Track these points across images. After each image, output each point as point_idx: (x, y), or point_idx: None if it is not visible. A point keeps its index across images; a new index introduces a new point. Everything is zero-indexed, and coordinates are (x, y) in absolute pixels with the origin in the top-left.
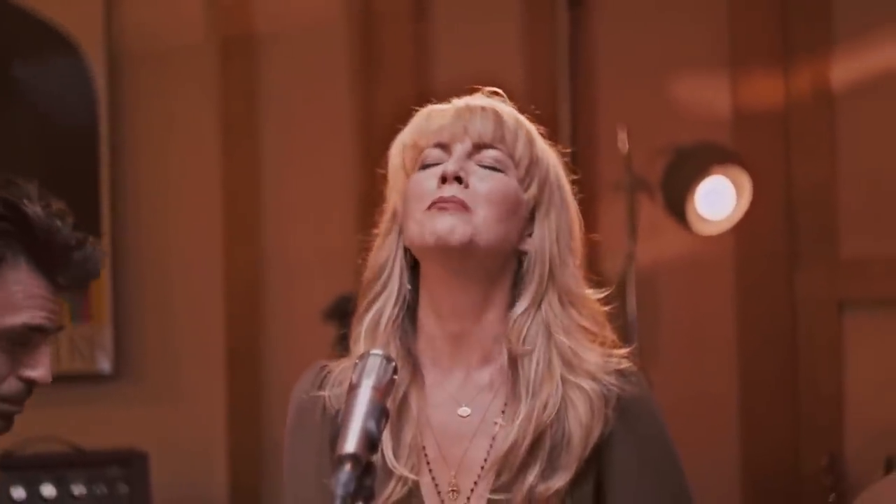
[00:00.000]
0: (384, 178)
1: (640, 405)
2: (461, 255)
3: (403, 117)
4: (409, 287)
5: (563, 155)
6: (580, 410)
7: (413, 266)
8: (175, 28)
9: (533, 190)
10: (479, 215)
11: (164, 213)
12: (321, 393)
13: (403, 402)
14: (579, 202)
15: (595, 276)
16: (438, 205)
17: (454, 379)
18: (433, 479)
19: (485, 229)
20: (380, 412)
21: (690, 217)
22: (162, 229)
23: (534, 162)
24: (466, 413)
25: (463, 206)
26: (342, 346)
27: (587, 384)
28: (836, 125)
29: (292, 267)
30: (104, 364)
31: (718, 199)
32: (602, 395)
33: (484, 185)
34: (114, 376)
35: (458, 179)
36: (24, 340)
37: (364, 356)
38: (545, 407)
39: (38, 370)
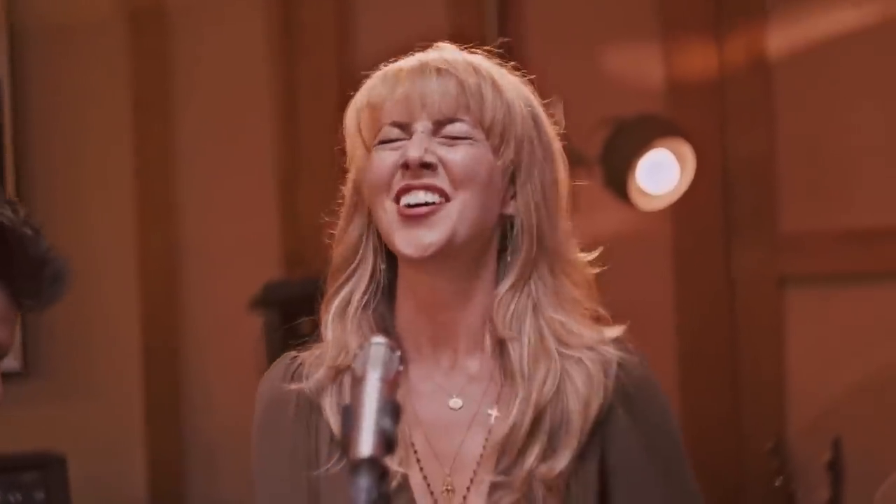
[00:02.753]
0: (312, 155)
1: (638, 376)
2: (441, 258)
3: (326, 91)
4: (383, 267)
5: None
6: (577, 383)
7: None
8: (80, 1)
9: (509, 153)
10: (455, 202)
11: (73, 199)
12: (295, 386)
13: None
14: None
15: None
16: (408, 212)
17: (440, 368)
18: (424, 476)
19: (462, 218)
20: (392, 408)
21: (632, 192)
22: (71, 216)
23: (507, 123)
24: (458, 405)
25: (438, 197)
26: (270, 336)
27: (583, 355)
28: (773, 94)
29: (211, 253)
30: (12, 361)
31: (661, 173)
32: (599, 364)
33: (455, 159)
34: (23, 374)
35: (426, 164)
36: None
37: (366, 345)
38: (543, 384)
39: None
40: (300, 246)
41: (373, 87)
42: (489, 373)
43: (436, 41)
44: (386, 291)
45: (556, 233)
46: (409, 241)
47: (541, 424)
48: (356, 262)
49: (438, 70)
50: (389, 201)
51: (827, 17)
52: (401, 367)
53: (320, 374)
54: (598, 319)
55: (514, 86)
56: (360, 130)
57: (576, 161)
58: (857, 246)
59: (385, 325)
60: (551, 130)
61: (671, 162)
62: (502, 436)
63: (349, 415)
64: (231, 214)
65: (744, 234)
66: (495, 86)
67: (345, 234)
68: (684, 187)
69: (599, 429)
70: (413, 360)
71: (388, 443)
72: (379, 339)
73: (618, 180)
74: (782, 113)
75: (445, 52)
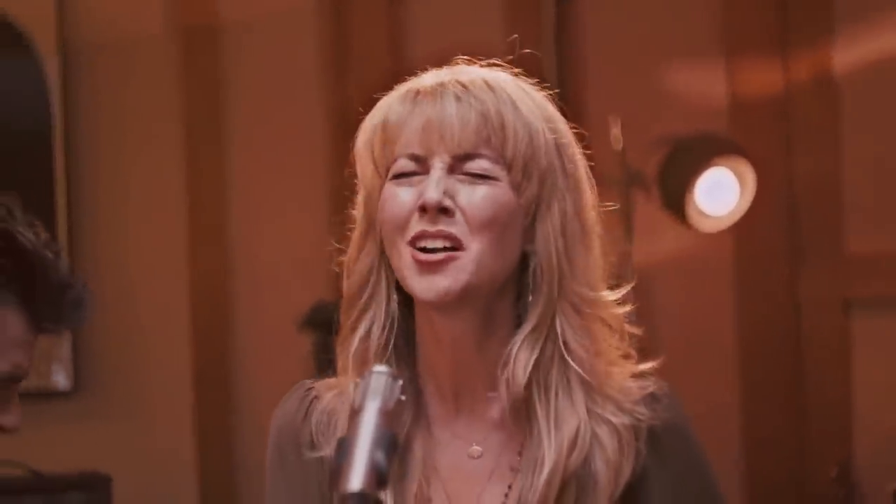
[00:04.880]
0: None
1: (674, 434)
2: (458, 304)
3: None
4: (397, 298)
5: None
6: (608, 448)
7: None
8: (133, 18)
9: (532, 188)
10: (471, 250)
11: (124, 218)
12: (307, 422)
13: (406, 442)
14: None
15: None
16: (423, 259)
17: (461, 412)
18: None
19: (479, 267)
20: (388, 440)
21: (690, 213)
22: (122, 234)
23: (529, 156)
24: (478, 453)
25: (452, 247)
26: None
27: (614, 417)
28: (839, 113)
29: (262, 272)
30: (62, 380)
31: (721, 193)
32: (631, 428)
33: (473, 203)
34: (72, 393)
35: (443, 209)
36: None
37: (367, 374)
38: (572, 451)
39: (8, 416)
40: None
41: (386, 108)
42: (513, 420)
43: (491, 59)
44: (402, 325)
45: (576, 269)
46: (426, 288)
47: (567, 491)
48: (369, 293)
49: (457, 97)
50: (405, 244)
51: (893, 33)
52: (402, 397)
53: (332, 416)
54: (626, 357)
55: (535, 108)
56: (372, 153)
57: (633, 181)
58: None
59: (407, 366)
60: (576, 153)
61: (731, 182)
62: (527, 501)
63: (343, 447)
64: (282, 232)
65: (809, 256)
66: (517, 112)
67: (356, 262)
68: (744, 208)
69: (630, 490)
70: (433, 401)
71: (380, 477)
72: (381, 368)
73: (676, 201)
74: (848, 132)
75: (463, 73)
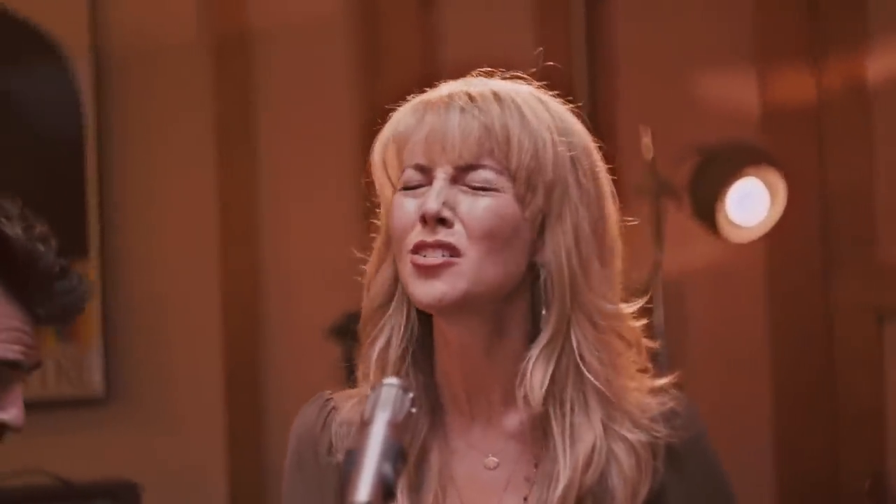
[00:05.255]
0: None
1: (693, 452)
2: (457, 310)
3: None
4: (416, 312)
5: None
6: (624, 466)
7: None
8: (165, 27)
9: (538, 201)
10: (469, 259)
11: (155, 225)
12: (326, 431)
13: (423, 452)
14: None
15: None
16: (421, 262)
17: (477, 422)
18: None
19: (476, 275)
20: (396, 452)
21: (721, 222)
22: (154, 242)
23: (534, 168)
24: (494, 463)
25: (449, 255)
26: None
27: (631, 434)
28: (872, 122)
29: (293, 279)
30: (94, 388)
31: (751, 203)
32: (648, 446)
33: (474, 214)
34: (104, 401)
35: (442, 220)
36: None
37: (377, 386)
38: (587, 468)
39: (10, 412)
40: None
41: (398, 120)
42: (529, 431)
43: (521, 68)
44: (422, 338)
45: (592, 282)
46: (424, 292)
47: None
48: (389, 304)
49: (462, 108)
50: (406, 253)
51: None
52: (413, 409)
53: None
54: (643, 372)
55: (548, 119)
56: (385, 166)
57: (664, 191)
58: None
59: (424, 375)
60: (595, 166)
61: (761, 192)
62: None
63: (351, 458)
64: (312, 241)
65: (842, 265)
66: (523, 121)
67: (376, 273)
68: (775, 218)
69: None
70: (450, 412)
71: (387, 489)
72: (391, 381)
73: (706, 210)
74: (882, 140)
75: (473, 85)
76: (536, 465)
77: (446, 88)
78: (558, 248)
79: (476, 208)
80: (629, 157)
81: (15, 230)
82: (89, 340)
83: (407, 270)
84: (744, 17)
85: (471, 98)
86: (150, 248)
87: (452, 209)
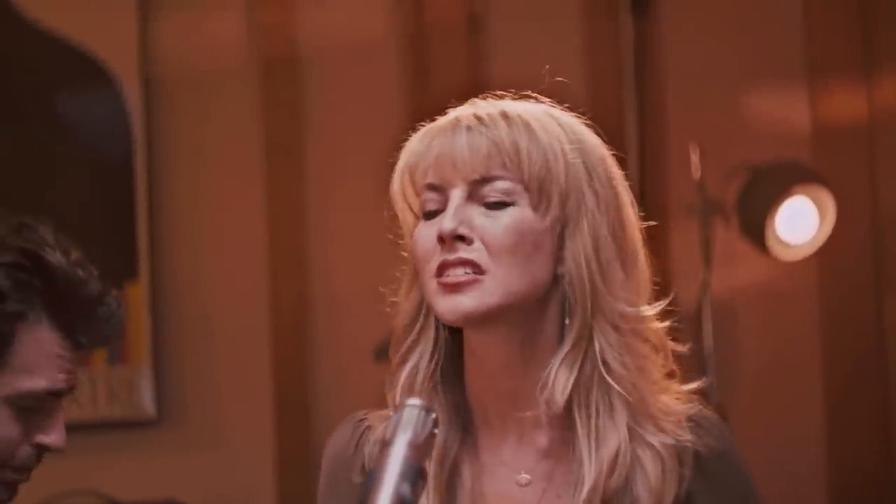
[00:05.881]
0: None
1: (721, 461)
2: (485, 323)
3: None
4: (447, 334)
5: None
6: (650, 473)
7: None
8: (214, 51)
9: (554, 210)
10: (494, 275)
11: (205, 248)
12: (359, 452)
13: (454, 470)
14: (650, 227)
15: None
16: (446, 281)
17: (508, 440)
18: None
19: (503, 289)
20: (415, 473)
21: (770, 241)
22: (203, 264)
23: (546, 177)
24: (526, 481)
25: (473, 272)
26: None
27: (656, 439)
28: None
29: (341, 303)
30: (145, 409)
31: (800, 222)
32: (674, 453)
33: (493, 231)
34: (155, 422)
35: (461, 237)
36: (39, 405)
37: (400, 407)
38: (612, 470)
39: (53, 435)
40: None
41: (409, 149)
42: (560, 447)
43: (570, 88)
44: (454, 358)
45: (613, 286)
46: (448, 308)
47: None
48: (417, 330)
49: (468, 127)
50: (431, 277)
51: None
52: (435, 431)
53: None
54: (670, 375)
55: (558, 131)
56: (404, 196)
57: (712, 209)
58: None
59: (454, 396)
60: (609, 174)
61: (810, 210)
62: None
63: (370, 479)
64: (361, 263)
65: (894, 284)
66: (531, 135)
67: (405, 302)
68: (824, 237)
69: None
70: (481, 429)
71: None
72: (414, 401)
73: (755, 229)
74: None
75: (479, 107)
76: (567, 483)
77: (454, 113)
78: (578, 255)
79: (494, 224)
80: (678, 176)
81: (57, 258)
82: (140, 362)
83: (432, 290)
84: (795, 33)
85: (478, 118)
86: (199, 270)
87: (470, 226)
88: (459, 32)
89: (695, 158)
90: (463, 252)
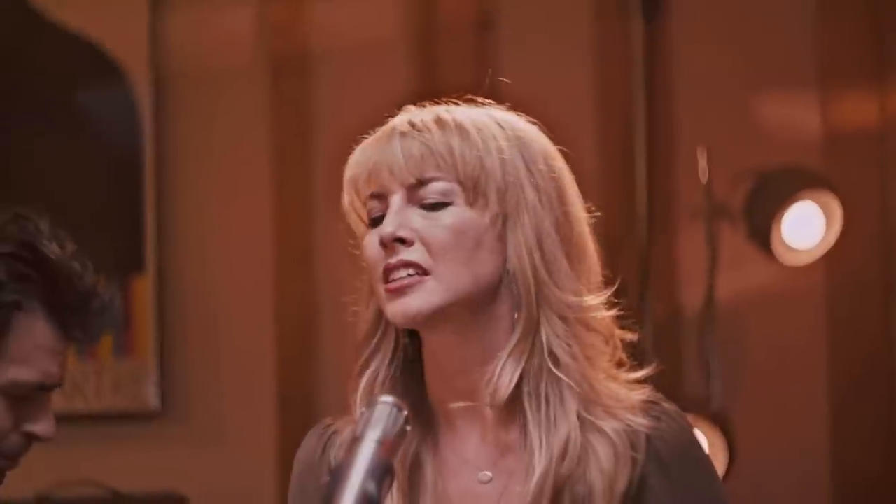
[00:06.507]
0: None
1: (673, 441)
2: (435, 323)
3: None
4: (406, 340)
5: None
6: (602, 458)
7: None
8: (223, 48)
9: (492, 206)
10: (437, 275)
11: (211, 243)
12: (325, 457)
13: (418, 470)
14: (657, 231)
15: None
16: (392, 286)
17: (471, 440)
18: None
19: (448, 288)
20: (383, 470)
21: (776, 246)
22: (210, 259)
23: (480, 173)
24: (487, 478)
25: (417, 274)
26: None
27: (608, 425)
28: None
29: (347, 301)
30: (149, 401)
31: (806, 227)
32: (626, 438)
33: (432, 231)
34: (159, 414)
35: (401, 240)
36: (30, 395)
37: (371, 404)
38: (563, 456)
39: (42, 424)
40: None
41: (352, 161)
42: (519, 441)
43: (581, 91)
44: (414, 362)
45: (559, 278)
46: (396, 311)
47: (560, 501)
48: (377, 337)
49: (402, 133)
50: (379, 284)
51: None
52: (408, 427)
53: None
54: (620, 365)
55: (496, 130)
56: (353, 208)
57: (719, 213)
58: None
59: (414, 397)
60: (553, 168)
61: (817, 216)
62: None
63: (337, 475)
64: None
65: None
66: (464, 135)
67: (365, 310)
68: (830, 242)
69: (630, 498)
70: (443, 430)
71: None
72: (386, 398)
73: (761, 233)
74: None
75: (413, 113)
76: (525, 476)
77: (391, 123)
78: (520, 248)
79: (433, 225)
80: (685, 180)
81: (54, 250)
82: (145, 355)
83: (382, 296)
84: (805, 38)
85: (412, 125)
86: (205, 265)
87: (409, 228)
88: (468, 33)
89: (702, 162)
90: (404, 254)
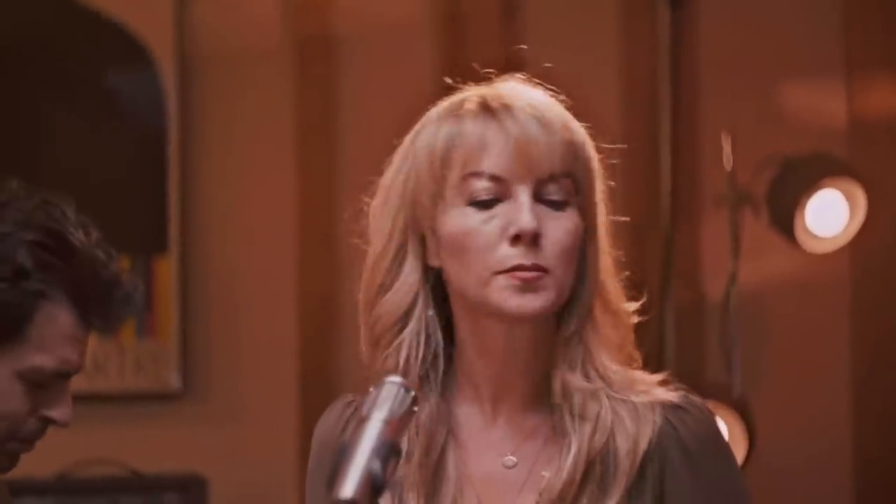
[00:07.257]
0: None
1: (700, 434)
2: (537, 319)
3: None
4: (430, 314)
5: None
6: (626, 423)
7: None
8: (249, 29)
9: (592, 210)
10: (554, 275)
11: (235, 224)
12: (345, 433)
13: (440, 453)
14: (680, 217)
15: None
16: (521, 276)
17: (497, 423)
18: None
19: (560, 289)
20: (388, 450)
21: (799, 234)
22: (233, 241)
23: (593, 179)
24: (512, 463)
25: (543, 273)
26: None
27: (635, 398)
28: None
29: None
30: (171, 382)
31: (830, 215)
32: (648, 404)
33: (555, 234)
34: (180, 395)
35: (535, 238)
36: (49, 381)
37: (379, 384)
38: (594, 433)
39: (60, 410)
40: None
41: (460, 125)
42: (547, 430)
43: (606, 78)
44: (435, 337)
45: (609, 275)
46: (518, 304)
47: (591, 475)
48: (415, 318)
49: (537, 119)
50: (491, 274)
51: None
52: (414, 409)
53: None
54: (630, 364)
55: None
56: (434, 171)
57: (742, 200)
58: None
59: (441, 382)
60: (598, 167)
61: (841, 203)
62: (555, 494)
63: (342, 454)
64: None
65: None
66: (586, 144)
67: (395, 279)
68: (853, 231)
69: (654, 475)
70: (470, 412)
71: (375, 486)
72: (394, 378)
73: (785, 221)
74: None
75: (523, 91)
76: (550, 462)
77: (504, 94)
78: (596, 272)
79: (557, 226)
80: (709, 166)
81: (79, 237)
82: (167, 336)
83: (495, 288)
84: (833, 26)
85: (534, 107)
86: (228, 246)
87: (542, 226)
88: (494, 15)
89: (727, 149)
90: (534, 256)
